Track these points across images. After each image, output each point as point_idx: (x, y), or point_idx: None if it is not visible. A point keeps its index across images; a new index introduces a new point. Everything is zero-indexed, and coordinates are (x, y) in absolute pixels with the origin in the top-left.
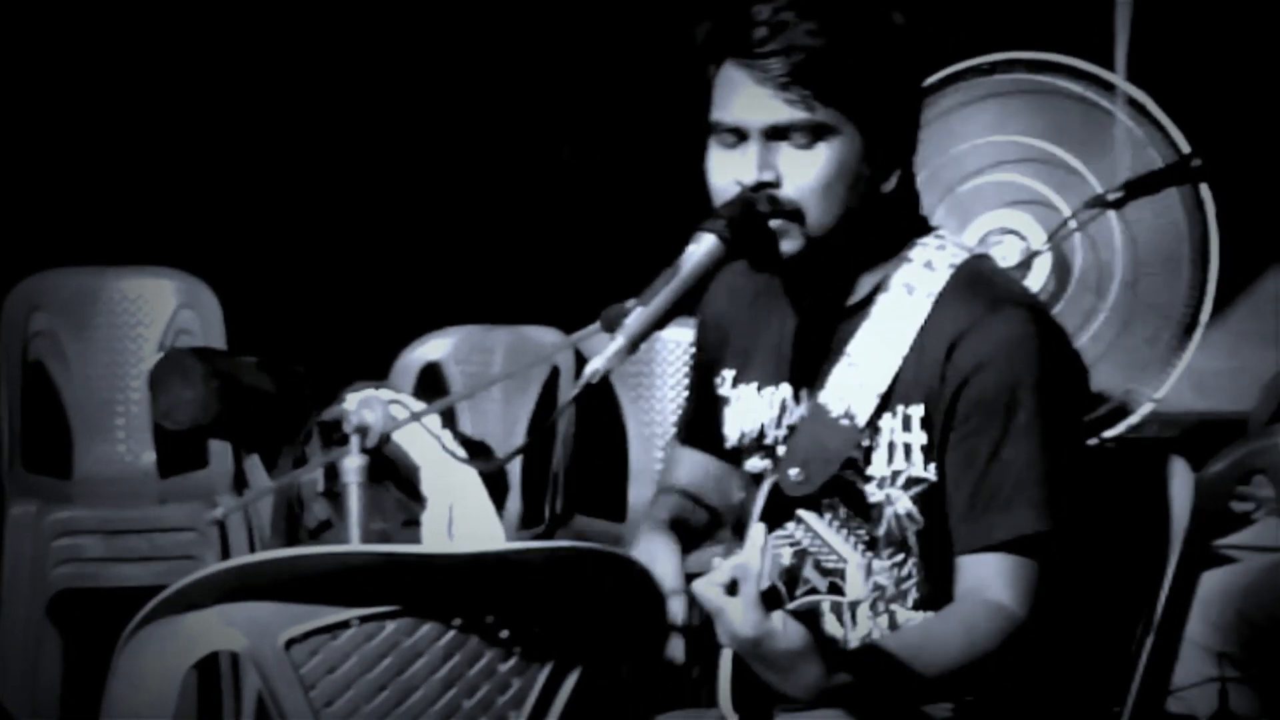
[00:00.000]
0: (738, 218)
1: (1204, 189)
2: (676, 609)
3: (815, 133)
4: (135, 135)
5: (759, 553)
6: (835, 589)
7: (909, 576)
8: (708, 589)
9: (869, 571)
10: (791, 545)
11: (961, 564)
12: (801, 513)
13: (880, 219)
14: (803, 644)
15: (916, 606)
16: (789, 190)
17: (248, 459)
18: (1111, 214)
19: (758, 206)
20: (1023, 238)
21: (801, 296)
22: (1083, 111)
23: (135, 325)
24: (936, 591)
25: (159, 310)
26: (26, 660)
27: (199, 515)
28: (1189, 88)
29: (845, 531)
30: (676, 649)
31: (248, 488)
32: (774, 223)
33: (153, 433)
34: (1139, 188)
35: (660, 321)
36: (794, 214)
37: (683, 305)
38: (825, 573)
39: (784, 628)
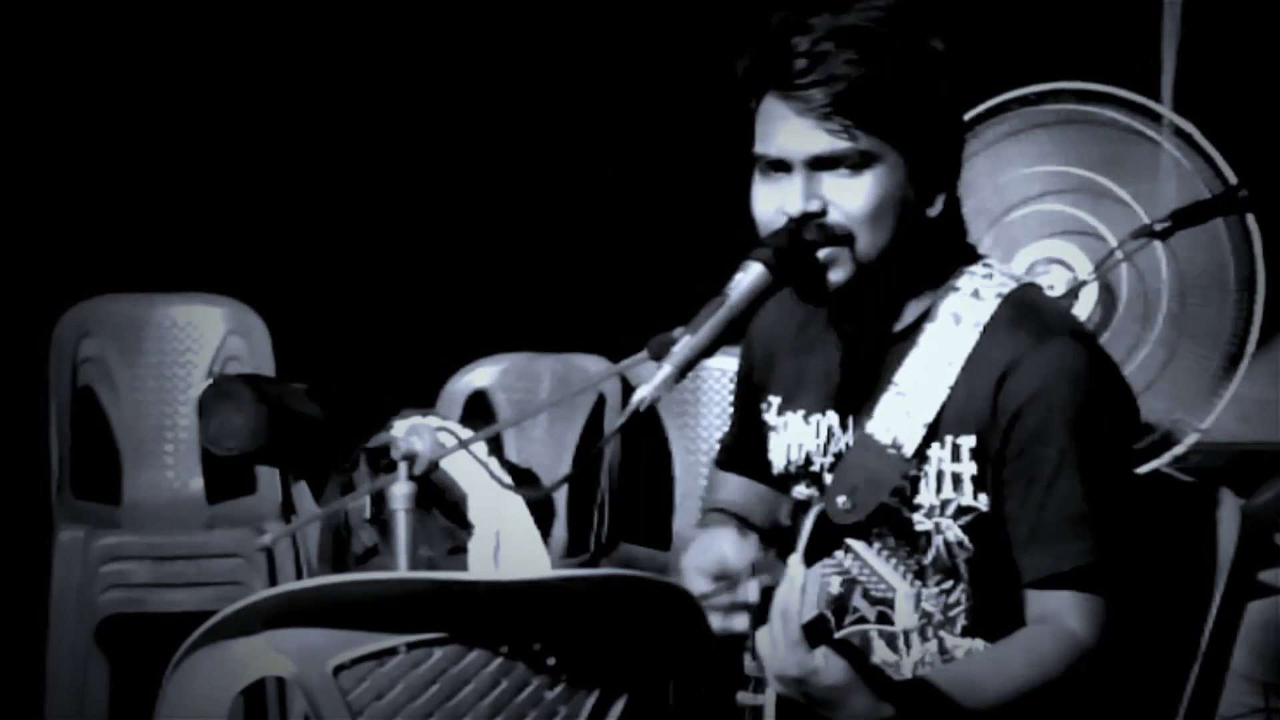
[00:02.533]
0: (785, 247)
1: (1250, 220)
2: (752, 588)
3: (860, 160)
4: (185, 163)
5: (797, 591)
6: (884, 618)
7: (958, 603)
8: (760, 639)
9: (918, 601)
10: (840, 574)
11: (1029, 596)
12: (850, 541)
13: (927, 245)
14: (846, 678)
15: (965, 633)
16: (837, 217)
17: (295, 485)
18: (1158, 244)
19: (805, 235)
20: (1069, 268)
21: (848, 324)
22: (1129, 142)
23: (184, 352)
24: (986, 617)
25: (208, 337)
26: (74, 685)
27: (247, 541)
28: (1236, 118)
29: (894, 561)
30: (741, 621)
31: (295, 514)
32: (823, 252)
33: (201, 459)
34: (1186, 218)
35: (707, 350)
36: (844, 239)
37: (729, 334)
38: (874, 601)
39: (826, 664)
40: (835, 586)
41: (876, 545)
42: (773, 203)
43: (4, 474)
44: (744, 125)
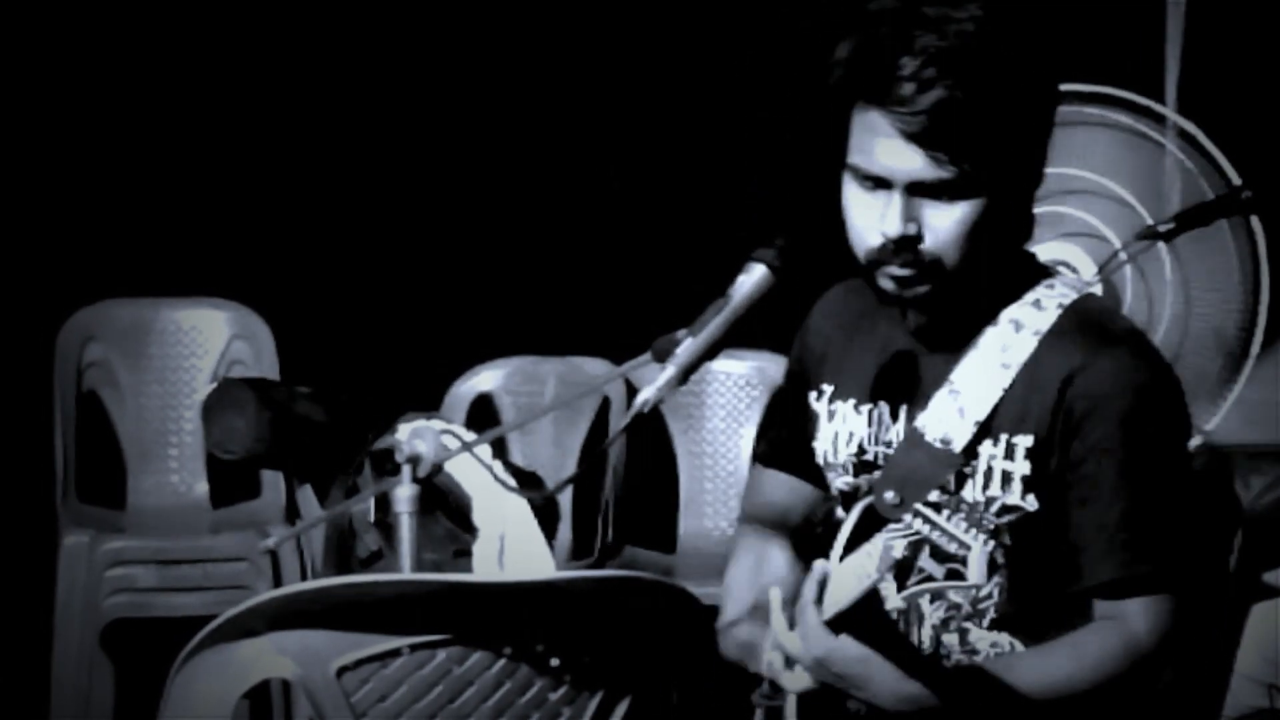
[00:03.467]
0: (786, 246)
1: (1255, 221)
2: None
3: (957, 188)
4: (189, 167)
5: (814, 581)
6: (954, 575)
7: (988, 596)
8: (781, 634)
9: (992, 560)
10: (907, 536)
11: (1094, 600)
12: (920, 507)
13: (1007, 261)
14: (864, 653)
15: (992, 626)
16: (930, 244)
17: (300, 489)
18: (1162, 246)
19: (895, 259)
20: (1074, 270)
21: (911, 324)
22: (1133, 144)
23: (189, 356)
24: (1018, 613)
25: (212, 341)
26: (79, 690)
27: (251, 545)
28: (1240, 120)
29: (965, 524)
30: (789, 706)
31: (300, 518)
32: (902, 271)
33: (205, 463)
34: (1190, 220)
35: (711, 352)
36: (932, 265)
37: (733, 336)
38: (944, 559)
39: (842, 642)
40: (900, 550)
41: (946, 512)
42: (871, 218)
43: (9, 478)
44: (742, 129)
